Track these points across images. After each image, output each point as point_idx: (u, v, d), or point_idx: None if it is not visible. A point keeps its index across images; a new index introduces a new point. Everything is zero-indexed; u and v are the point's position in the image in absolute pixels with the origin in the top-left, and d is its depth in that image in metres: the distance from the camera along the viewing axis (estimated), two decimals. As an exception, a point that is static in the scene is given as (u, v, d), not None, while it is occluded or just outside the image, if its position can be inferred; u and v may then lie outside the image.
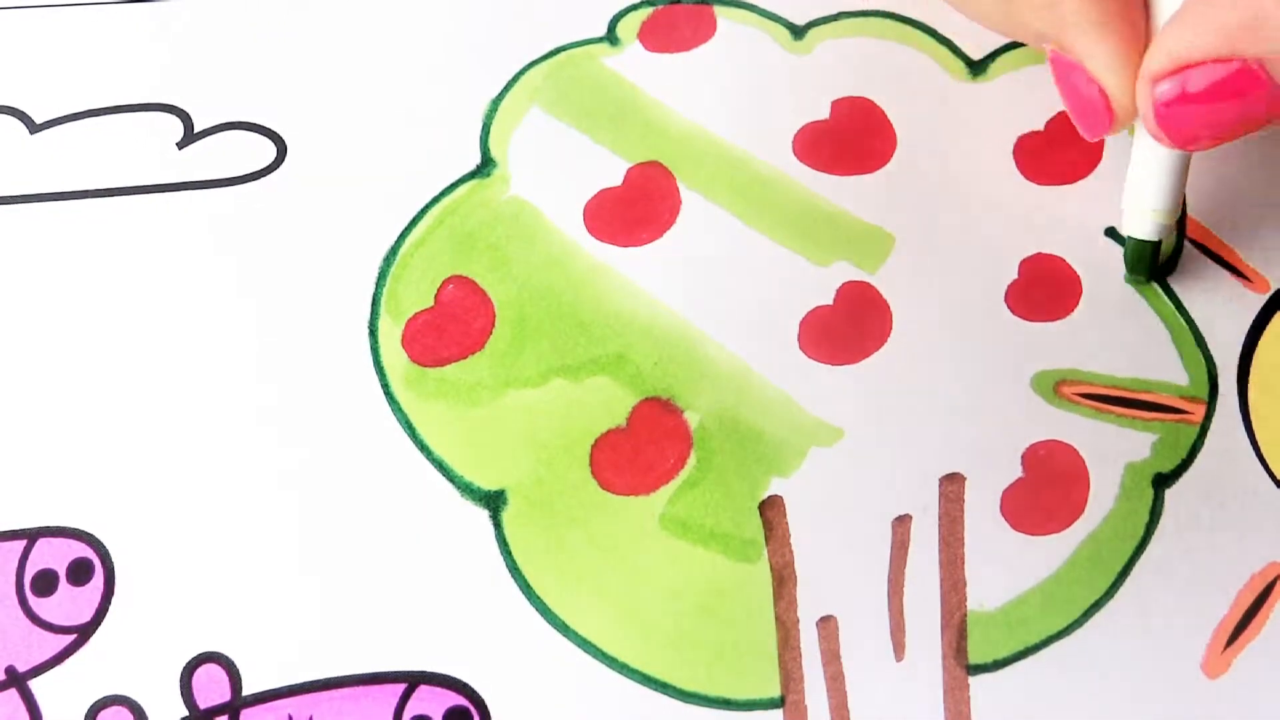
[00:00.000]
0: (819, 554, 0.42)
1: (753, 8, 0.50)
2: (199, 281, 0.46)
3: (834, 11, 0.50)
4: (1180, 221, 0.46)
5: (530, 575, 0.42)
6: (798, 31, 0.50)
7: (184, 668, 0.41)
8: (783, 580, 0.42)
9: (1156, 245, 0.44)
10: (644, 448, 0.44)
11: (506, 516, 0.43)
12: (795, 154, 0.48)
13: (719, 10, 0.50)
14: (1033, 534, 0.42)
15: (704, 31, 0.50)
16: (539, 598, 0.42)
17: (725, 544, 0.42)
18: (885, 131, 0.48)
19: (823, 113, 0.49)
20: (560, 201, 0.47)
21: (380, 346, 0.45)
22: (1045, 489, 0.43)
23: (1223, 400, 0.44)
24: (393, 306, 0.45)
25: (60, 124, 0.47)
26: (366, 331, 0.45)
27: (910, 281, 0.46)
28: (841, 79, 0.49)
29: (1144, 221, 0.44)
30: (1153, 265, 0.45)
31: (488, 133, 0.48)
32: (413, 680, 0.41)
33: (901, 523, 0.43)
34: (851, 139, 0.48)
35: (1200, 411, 0.44)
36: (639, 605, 0.42)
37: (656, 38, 0.50)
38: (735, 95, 0.49)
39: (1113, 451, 0.43)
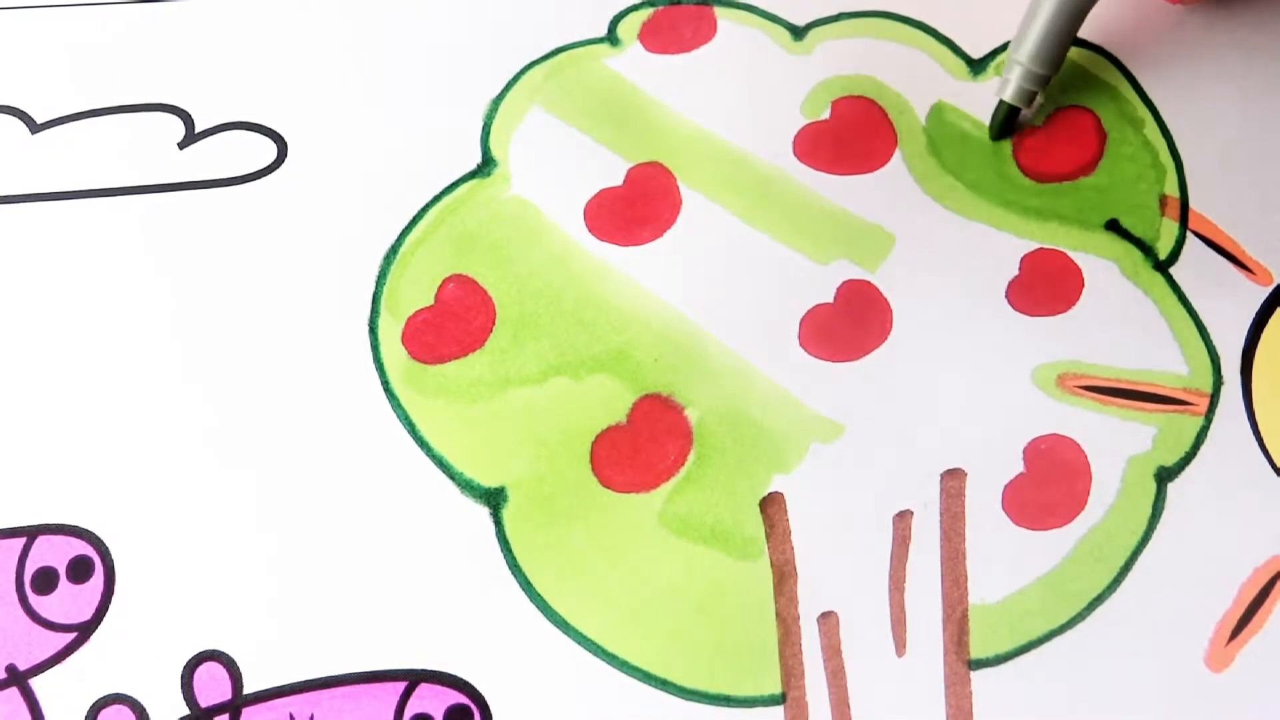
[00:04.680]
0: (820, 550, 0.42)
1: (753, 9, 0.50)
2: (200, 280, 0.46)
3: (834, 12, 0.50)
4: (1183, 213, 0.46)
5: (531, 573, 0.42)
6: (798, 32, 0.50)
7: (185, 666, 0.41)
8: (783, 576, 0.42)
9: (1015, 110, 0.47)
10: (644, 445, 0.44)
11: (507, 514, 0.43)
12: (795, 154, 0.48)
13: (719, 11, 0.50)
14: (1034, 528, 0.42)
15: (704, 32, 0.50)
16: (539, 595, 0.42)
17: (725, 541, 0.42)
18: (885, 131, 0.48)
19: (823, 113, 0.49)
20: (561, 201, 0.47)
21: (380, 344, 0.45)
22: (1047, 483, 0.43)
23: (1226, 392, 0.44)
24: (393, 304, 0.45)
25: (61, 124, 0.48)
26: (367, 329, 0.45)
27: (910, 279, 0.46)
28: (842, 79, 0.49)
29: (1012, 77, 0.46)
30: (1004, 129, 0.48)
31: (488, 132, 0.48)
32: (413, 678, 0.41)
33: (903, 518, 0.43)
34: (852, 139, 0.48)
35: (1203, 403, 0.44)
36: (639, 603, 0.42)
37: (657, 38, 0.50)
38: (736, 96, 0.49)
39: (1115, 445, 0.43)
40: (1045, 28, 0.46)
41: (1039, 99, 0.47)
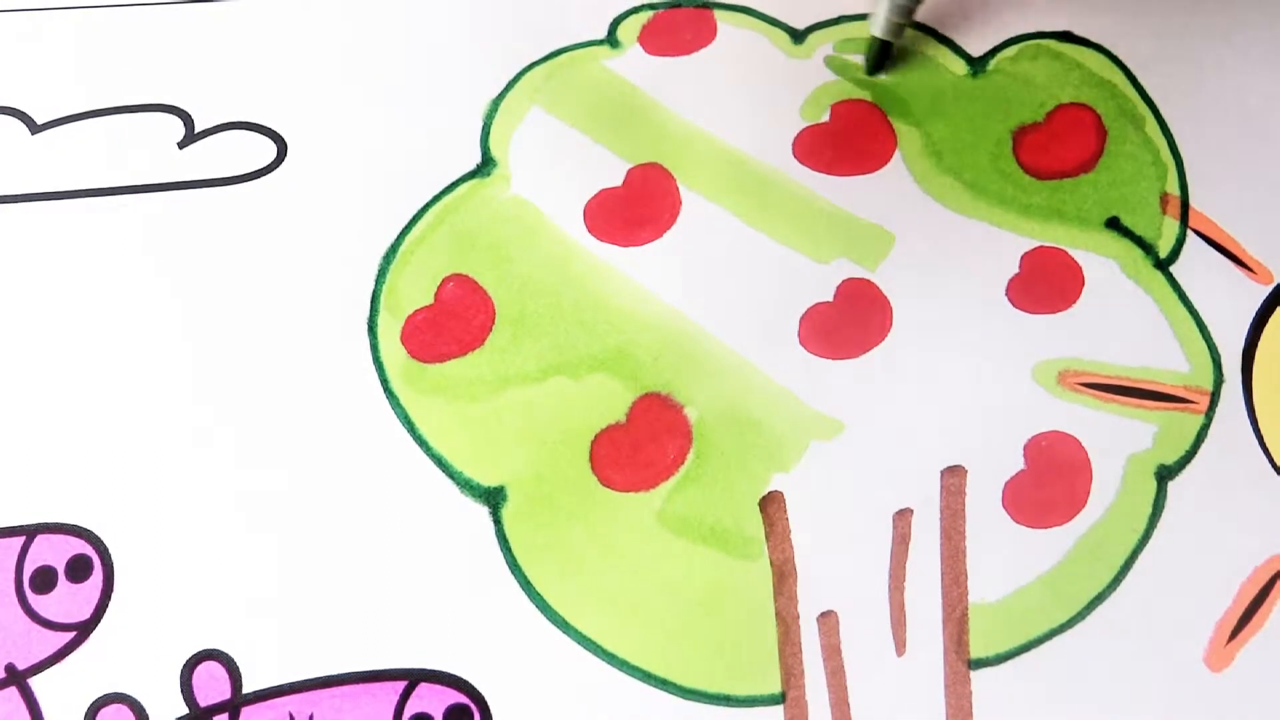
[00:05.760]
0: (819, 549, 0.42)
1: (753, 12, 0.50)
2: (200, 280, 0.46)
3: (834, 15, 0.50)
4: (1183, 211, 0.46)
5: (530, 572, 0.42)
6: (798, 36, 0.50)
7: (184, 665, 0.41)
8: (783, 576, 0.42)
9: (887, 44, 0.48)
10: (644, 443, 0.43)
11: (506, 513, 0.43)
12: (795, 156, 0.48)
13: (719, 14, 0.50)
14: (1035, 526, 0.42)
15: (704, 35, 0.50)
16: (539, 594, 0.42)
17: (725, 541, 0.42)
18: (885, 133, 0.48)
19: (823, 116, 0.48)
20: (561, 201, 0.47)
21: (380, 343, 0.45)
22: (1047, 481, 0.43)
23: (1226, 391, 0.44)
24: (392, 303, 0.45)
25: (61, 124, 0.48)
26: (366, 328, 0.45)
27: (910, 277, 0.46)
28: (841, 82, 0.49)
29: (880, 12, 0.48)
30: (879, 62, 0.49)
31: (488, 132, 0.48)
32: (413, 678, 0.41)
33: (902, 516, 0.42)
34: (851, 141, 0.48)
35: (1204, 401, 0.44)
36: (639, 602, 0.42)
37: (657, 41, 0.50)
38: (735, 99, 0.49)
39: (1115, 443, 0.43)
40: None
41: (905, 31, 0.48)
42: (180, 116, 0.48)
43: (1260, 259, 0.46)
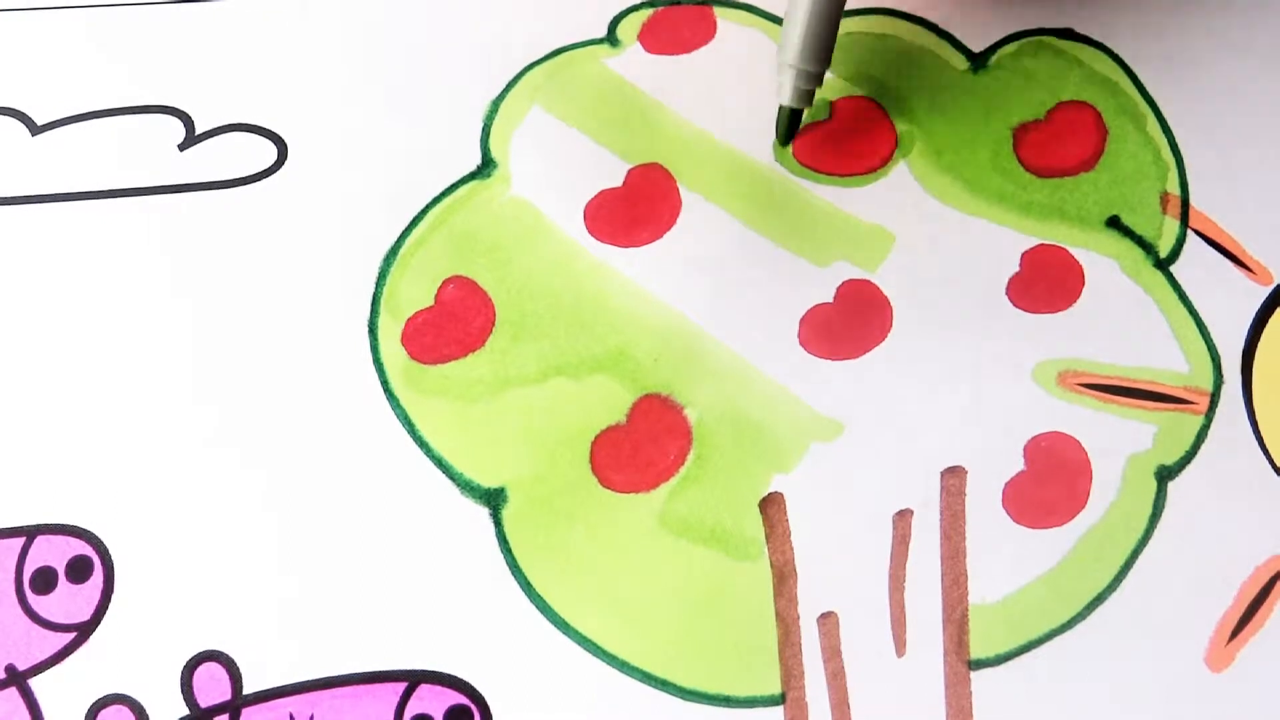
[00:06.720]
0: (820, 550, 0.42)
1: (753, 9, 0.50)
2: (200, 282, 0.46)
3: (835, 12, 0.50)
4: (1184, 211, 0.46)
5: (530, 573, 0.42)
6: (798, 33, 0.50)
7: (184, 666, 0.41)
8: (783, 577, 0.42)
9: (797, 113, 0.46)
10: (644, 445, 0.43)
11: (506, 514, 0.43)
12: (795, 156, 0.48)
13: (719, 12, 0.50)
14: (1035, 527, 0.42)
15: (704, 33, 0.50)
16: (539, 595, 0.42)
17: (725, 542, 0.42)
18: (885, 131, 0.48)
19: (823, 114, 0.48)
20: (561, 202, 0.47)
21: (380, 344, 0.45)
22: (1047, 482, 0.43)
23: (1226, 391, 0.44)
24: (392, 305, 0.45)
25: (62, 125, 0.48)
26: (366, 330, 0.45)
27: (910, 278, 0.46)
28: (841, 80, 0.49)
29: (786, 80, 0.46)
30: (789, 132, 0.47)
31: (488, 133, 0.48)
32: (413, 679, 0.41)
33: (902, 517, 0.42)
34: (852, 139, 0.48)
35: (1204, 402, 0.44)
36: (640, 603, 0.42)
37: (657, 39, 0.50)
38: (735, 97, 0.49)
39: (1115, 443, 0.43)
40: (806, 27, 0.45)
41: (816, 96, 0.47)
42: (181, 118, 0.48)
43: (1260, 259, 0.46)
